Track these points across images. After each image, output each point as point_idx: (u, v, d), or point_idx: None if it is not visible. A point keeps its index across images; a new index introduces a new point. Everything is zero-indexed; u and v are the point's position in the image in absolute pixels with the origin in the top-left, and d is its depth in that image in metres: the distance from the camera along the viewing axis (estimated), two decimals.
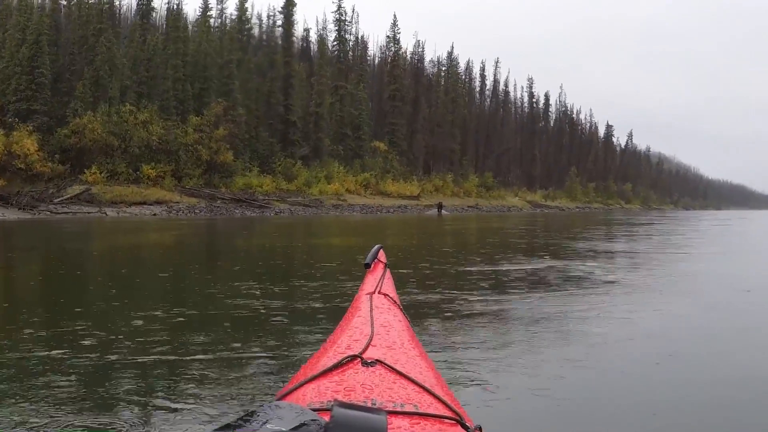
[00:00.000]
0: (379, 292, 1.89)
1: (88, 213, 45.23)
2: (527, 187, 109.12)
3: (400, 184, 76.18)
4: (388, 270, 2.19)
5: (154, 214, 46.50)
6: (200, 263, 13.48)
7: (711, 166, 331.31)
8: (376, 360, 1.23)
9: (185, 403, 3.48)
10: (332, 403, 0.94)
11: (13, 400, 3.45)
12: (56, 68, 57.73)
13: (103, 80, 56.26)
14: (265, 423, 0.80)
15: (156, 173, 53.74)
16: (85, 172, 51.17)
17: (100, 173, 51.53)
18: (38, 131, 52.50)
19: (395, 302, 1.88)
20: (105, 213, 45.74)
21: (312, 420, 0.82)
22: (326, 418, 0.85)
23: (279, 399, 1.10)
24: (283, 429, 0.79)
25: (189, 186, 54.92)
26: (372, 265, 2.19)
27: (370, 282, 2.04)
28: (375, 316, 1.58)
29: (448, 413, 1.08)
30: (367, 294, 1.87)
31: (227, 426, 0.80)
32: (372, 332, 1.43)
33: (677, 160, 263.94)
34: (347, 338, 1.44)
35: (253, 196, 56.67)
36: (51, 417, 3.19)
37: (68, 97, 56.14)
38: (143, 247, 18.24)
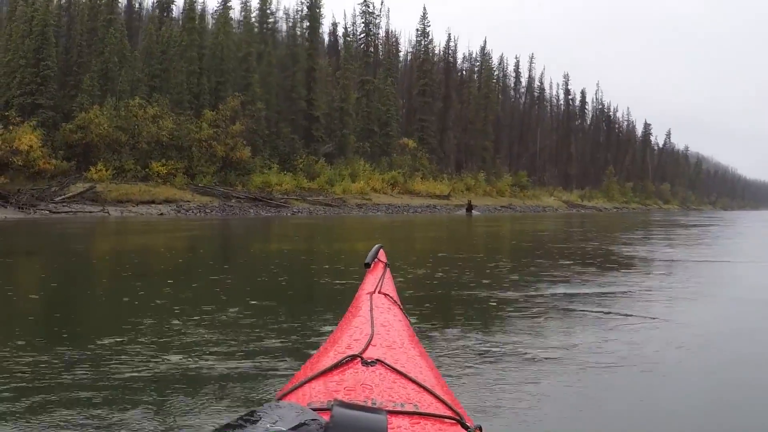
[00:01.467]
0: (380, 292, 1.84)
1: (90, 212, 41.20)
2: (563, 187, 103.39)
3: (429, 182, 71.01)
4: (388, 269, 2.14)
5: (161, 214, 42.46)
6: (198, 280, 9.12)
7: (748, 166, 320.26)
8: (376, 360, 1.20)
9: None
10: (332, 402, 0.93)
11: None
12: (64, 61, 53.69)
13: (112, 73, 52.09)
14: (265, 422, 0.80)
15: (167, 170, 49.32)
16: (90, 170, 47.07)
17: (106, 170, 47.37)
18: (43, 126, 48.53)
19: (395, 302, 1.83)
20: (108, 212, 41.62)
21: (312, 419, 0.81)
22: (326, 417, 0.84)
23: (279, 398, 1.09)
24: (283, 429, 0.78)
25: (202, 184, 50.47)
26: (372, 265, 2.14)
27: (371, 282, 1.99)
28: (375, 315, 1.54)
29: (448, 413, 1.06)
30: (367, 294, 1.82)
31: (227, 426, 0.79)
32: (372, 332, 1.39)
33: (715, 160, 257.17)
34: (347, 338, 1.41)
35: (269, 194, 52.03)
36: None
37: (75, 90, 52.02)
38: (136, 251, 15.04)
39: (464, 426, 1.02)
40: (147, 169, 48.86)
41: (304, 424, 0.79)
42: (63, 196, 44.02)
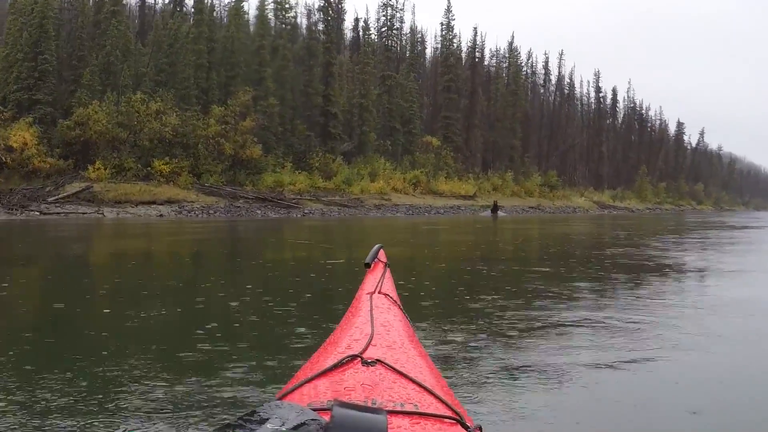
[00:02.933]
0: (380, 292, 1.80)
1: (84, 214, 37.47)
2: (594, 187, 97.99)
3: (454, 182, 66.14)
4: (388, 270, 2.10)
5: (161, 215, 38.66)
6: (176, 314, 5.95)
7: None
8: (377, 360, 1.18)
9: None
10: (332, 402, 0.92)
11: None
12: (66, 55, 49.90)
13: (114, 67, 48.18)
14: (265, 422, 0.78)
15: (170, 169, 45.25)
16: (88, 168, 43.23)
17: (105, 169, 43.48)
18: (41, 123, 44.86)
19: (395, 302, 1.80)
20: (102, 214, 37.82)
21: (312, 420, 0.80)
22: (326, 417, 0.83)
23: (279, 398, 1.06)
24: (283, 429, 0.77)
25: (208, 184, 46.34)
26: (372, 265, 2.11)
27: (371, 282, 1.95)
28: (375, 315, 1.51)
29: (448, 413, 1.05)
30: (367, 294, 1.78)
31: (227, 425, 0.78)
32: (372, 332, 1.37)
33: (748, 160, 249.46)
34: (347, 338, 1.39)
35: (280, 194, 47.72)
36: None
37: (75, 86, 48.18)
38: (118, 257, 12.82)
39: (464, 426, 1.01)
40: (149, 168, 44.88)
41: (304, 424, 0.78)
42: (57, 197, 40.35)
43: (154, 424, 2.83)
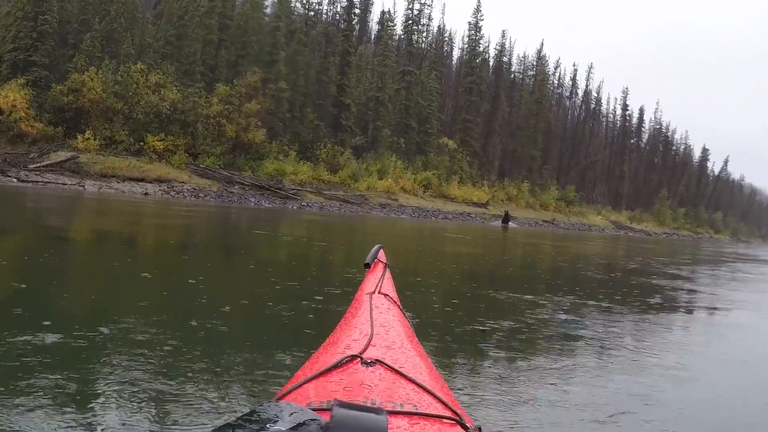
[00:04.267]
0: (379, 292, 1.76)
1: (63, 185, 34.42)
2: (612, 206, 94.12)
3: (467, 188, 62.52)
4: (388, 270, 2.06)
5: (146, 194, 35.72)
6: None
7: None
8: (376, 360, 1.17)
9: None
10: (332, 402, 0.91)
11: None
12: (66, 18, 46.73)
13: (117, 34, 45.02)
14: (265, 422, 0.77)
15: (164, 146, 42.04)
16: (77, 137, 40.11)
17: (95, 140, 40.37)
18: (34, 86, 41.81)
19: (395, 302, 1.76)
20: (84, 187, 34.77)
21: (312, 420, 0.79)
22: (326, 417, 0.82)
23: (279, 398, 1.05)
24: (283, 429, 0.76)
25: (204, 165, 43.09)
26: (372, 265, 2.07)
27: (370, 282, 1.91)
28: (375, 315, 1.48)
29: (447, 413, 1.04)
30: (367, 294, 1.74)
31: (227, 425, 0.77)
32: (372, 332, 1.34)
33: None
34: (347, 338, 1.37)
35: (279, 183, 44.36)
36: None
37: (75, 50, 45.00)
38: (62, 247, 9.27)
39: (464, 426, 0.99)
40: (142, 143, 41.68)
41: (303, 424, 0.77)
42: (39, 164, 37.27)
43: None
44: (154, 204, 26.86)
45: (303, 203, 41.41)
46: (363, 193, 48.98)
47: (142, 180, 38.77)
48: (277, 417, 0.78)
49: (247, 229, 17.62)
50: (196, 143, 43.61)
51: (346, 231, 21.94)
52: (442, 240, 21.06)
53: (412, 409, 0.98)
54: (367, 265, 2.05)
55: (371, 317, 1.45)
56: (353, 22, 59.95)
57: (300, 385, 1.09)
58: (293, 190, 43.85)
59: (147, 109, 41.98)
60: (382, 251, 2.19)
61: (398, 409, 0.97)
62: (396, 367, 1.14)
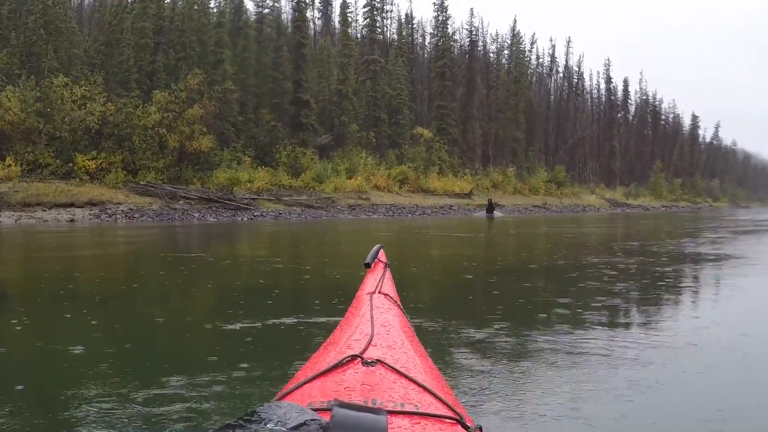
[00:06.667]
0: (380, 292, 1.77)
1: None
2: (605, 184, 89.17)
3: (447, 179, 57.47)
4: (388, 270, 2.05)
5: (72, 220, 31.01)
6: None
7: None
8: (377, 360, 1.17)
9: None
10: (332, 402, 0.90)
11: None
12: None
13: (38, 46, 39.99)
14: (265, 422, 0.77)
15: (96, 165, 37.08)
16: None
17: (16, 165, 35.39)
18: None
19: (395, 302, 1.76)
20: None
21: (312, 420, 0.78)
22: (326, 417, 0.81)
23: (279, 398, 1.05)
24: (283, 429, 0.76)
25: (144, 182, 38.05)
26: (372, 265, 2.06)
27: (371, 282, 1.92)
28: (375, 315, 1.48)
29: (448, 413, 1.03)
30: (367, 294, 1.75)
31: (227, 426, 0.76)
32: (372, 332, 1.34)
33: (762, 156, 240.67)
34: (347, 338, 1.37)
35: (230, 194, 39.27)
36: None
37: None
38: None
39: (464, 426, 0.99)
40: (71, 164, 36.68)
41: (304, 424, 0.76)
42: None
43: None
44: (79, 233, 22.11)
45: (256, 213, 36.40)
46: (329, 196, 43.94)
47: (71, 205, 33.92)
48: (278, 417, 0.77)
49: (168, 254, 12.66)
50: (134, 158, 38.58)
51: (292, 243, 17.38)
52: (412, 244, 16.16)
53: (413, 409, 0.98)
54: (368, 265, 2.00)
55: (372, 317, 1.42)
56: (304, 11, 54.63)
57: (301, 385, 1.08)
58: (247, 199, 38.79)
59: (73, 126, 36.93)
60: (382, 251, 2.14)
61: (399, 408, 0.97)
62: (397, 367, 1.13)
